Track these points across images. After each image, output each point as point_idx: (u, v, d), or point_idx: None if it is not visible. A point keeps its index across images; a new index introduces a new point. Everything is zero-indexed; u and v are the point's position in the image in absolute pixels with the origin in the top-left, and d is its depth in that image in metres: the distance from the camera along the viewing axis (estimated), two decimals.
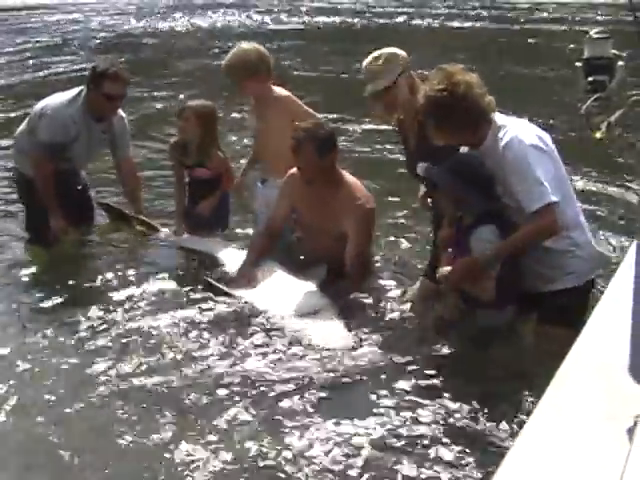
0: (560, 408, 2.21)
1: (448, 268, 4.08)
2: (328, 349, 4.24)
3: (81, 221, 6.22)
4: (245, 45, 5.43)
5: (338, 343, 4.29)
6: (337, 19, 22.02)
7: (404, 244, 5.66)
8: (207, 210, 5.74)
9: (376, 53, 4.57)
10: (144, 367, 4.21)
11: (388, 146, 8.58)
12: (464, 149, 4.16)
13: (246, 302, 4.83)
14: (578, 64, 3.24)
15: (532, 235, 3.85)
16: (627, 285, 2.49)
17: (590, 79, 3.14)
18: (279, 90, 5.46)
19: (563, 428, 2.14)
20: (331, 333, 4.40)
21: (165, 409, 3.83)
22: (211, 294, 4.96)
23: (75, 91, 5.89)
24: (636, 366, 2.27)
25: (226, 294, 4.92)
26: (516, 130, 3.86)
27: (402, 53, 4.56)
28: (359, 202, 4.80)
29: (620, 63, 3.10)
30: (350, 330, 4.39)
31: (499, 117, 3.99)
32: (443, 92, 3.92)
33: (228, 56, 5.43)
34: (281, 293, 4.84)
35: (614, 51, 3.15)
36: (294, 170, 4.93)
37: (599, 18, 18.92)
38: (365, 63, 4.55)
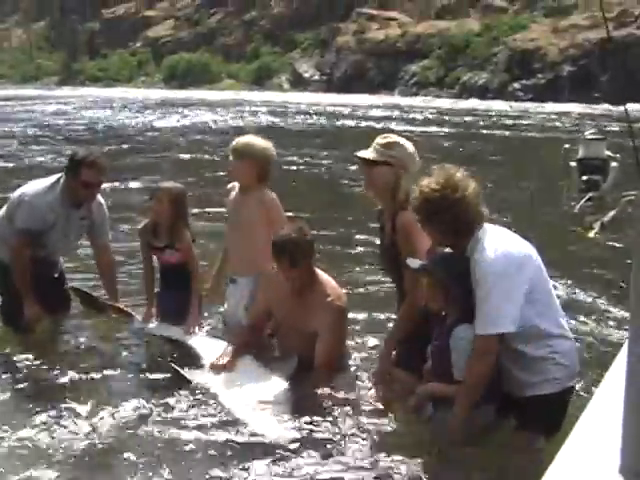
0: None
1: (431, 385, 4.05)
2: (270, 442, 4.09)
3: (56, 309, 6.11)
4: (264, 141, 5.47)
5: (279, 437, 4.13)
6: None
7: (377, 338, 5.57)
8: (194, 325, 5.69)
9: (392, 135, 4.61)
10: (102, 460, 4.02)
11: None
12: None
13: (207, 391, 4.69)
14: (572, 164, 3.19)
15: (475, 371, 3.79)
16: (618, 386, 2.40)
17: (584, 178, 3.07)
18: (267, 191, 5.42)
19: None
20: (275, 427, 4.25)
21: None
22: (176, 380, 4.83)
23: (53, 178, 5.85)
24: (627, 468, 2.17)
25: (189, 381, 4.81)
26: (493, 249, 3.80)
27: (410, 150, 4.50)
28: (329, 299, 4.73)
29: (614, 164, 3.05)
30: (297, 425, 4.29)
31: (485, 228, 3.94)
32: (436, 192, 3.87)
33: (244, 138, 5.43)
34: (243, 384, 4.74)
35: (608, 152, 3.10)
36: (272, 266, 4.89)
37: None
38: (380, 136, 4.56)
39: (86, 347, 5.63)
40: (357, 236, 9.21)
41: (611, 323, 6.32)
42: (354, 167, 14.24)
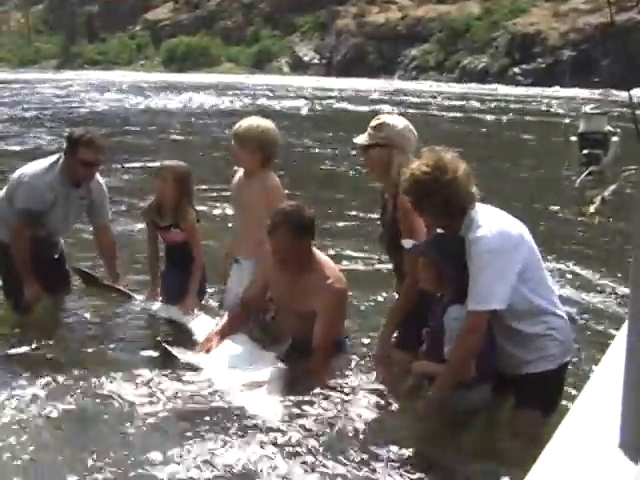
0: None
1: (423, 364, 4.07)
2: (263, 421, 4.10)
3: (57, 289, 6.14)
4: (266, 121, 5.43)
5: (272, 417, 4.14)
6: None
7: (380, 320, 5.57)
8: (192, 307, 5.70)
9: (383, 115, 4.63)
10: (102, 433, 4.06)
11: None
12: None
13: (198, 370, 4.72)
14: (573, 138, 3.21)
15: (461, 348, 3.82)
16: (618, 363, 2.42)
17: (585, 152, 3.09)
18: (271, 174, 5.41)
19: None
20: (268, 407, 4.26)
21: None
22: (168, 360, 4.88)
23: (52, 158, 5.86)
24: (626, 444, 2.19)
25: (180, 361, 4.85)
26: (487, 228, 3.81)
27: (399, 129, 4.48)
28: (328, 282, 4.72)
29: (614, 139, 3.06)
30: (289, 405, 4.29)
31: (477, 208, 3.95)
32: (427, 174, 3.87)
33: (246, 122, 5.39)
34: (233, 363, 4.74)
35: (609, 127, 3.12)
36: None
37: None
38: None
39: (84, 326, 5.69)
40: (350, 213, 9.32)
41: (613, 300, 6.38)
42: (350, 148, 14.34)
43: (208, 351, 4.92)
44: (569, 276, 7.03)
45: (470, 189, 3.87)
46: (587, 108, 3.35)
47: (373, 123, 4.49)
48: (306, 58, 51.97)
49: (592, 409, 2.51)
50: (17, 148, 15.53)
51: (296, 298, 4.76)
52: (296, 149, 15.84)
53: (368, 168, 4.69)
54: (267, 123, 5.36)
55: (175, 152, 13.91)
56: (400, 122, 4.53)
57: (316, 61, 51.35)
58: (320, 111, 25.74)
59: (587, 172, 3.49)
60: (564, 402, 4.05)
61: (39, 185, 5.61)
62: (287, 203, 4.90)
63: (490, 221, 3.82)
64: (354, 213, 9.49)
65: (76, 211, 5.90)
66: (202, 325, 5.39)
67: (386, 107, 22.81)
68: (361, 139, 4.51)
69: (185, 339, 5.27)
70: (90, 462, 3.73)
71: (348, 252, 7.56)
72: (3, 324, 5.72)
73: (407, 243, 4.13)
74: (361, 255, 7.43)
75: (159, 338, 5.26)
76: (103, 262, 6.25)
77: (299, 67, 51.45)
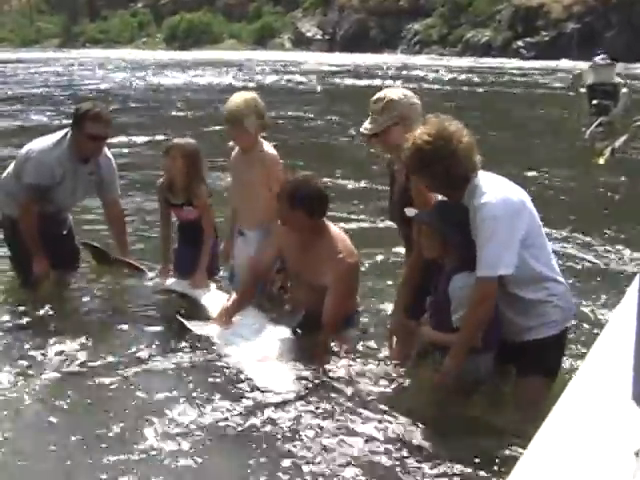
0: (559, 439, 2.12)
1: (431, 332, 4.06)
2: (274, 394, 4.12)
3: (65, 265, 6.14)
4: (246, 94, 5.41)
5: (281, 388, 4.18)
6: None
7: (391, 292, 5.55)
8: (201, 283, 5.69)
9: (382, 93, 4.48)
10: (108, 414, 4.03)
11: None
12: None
13: (211, 343, 4.74)
14: (582, 90, 3.19)
15: (475, 316, 3.82)
16: (629, 318, 2.43)
17: (594, 102, 3.08)
18: (267, 147, 5.41)
19: (562, 459, 2.03)
20: (278, 379, 4.28)
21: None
22: (182, 332, 4.89)
23: (60, 134, 5.85)
24: (639, 395, 2.21)
25: (194, 333, 4.87)
26: (492, 194, 3.80)
27: (405, 100, 4.45)
28: (340, 256, 4.69)
29: (624, 90, 3.05)
30: (300, 378, 4.30)
31: (480, 175, 3.94)
32: (429, 144, 3.85)
33: (231, 102, 5.37)
34: (247, 336, 4.77)
35: (618, 79, 3.11)
36: None
37: None
38: (372, 98, 4.48)
39: (94, 300, 5.72)
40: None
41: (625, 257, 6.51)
42: (349, 122, 14.35)
43: (222, 325, 4.93)
44: (577, 235, 7.16)
45: (473, 158, 3.86)
46: (597, 59, 3.32)
47: (376, 107, 4.40)
48: (309, 34, 51.71)
49: (604, 363, 2.52)
50: (20, 125, 15.53)
51: (307, 267, 4.75)
52: (294, 122, 15.92)
53: (383, 151, 4.61)
54: (249, 96, 5.33)
55: (176, 127, 13.95)
56: (402, 93, 4.46)
57: (319, 37, 51.09)
58: (323, 86, 25.64)
59: (597, 123, 3.46)
60: (572, 363, 4.08)
61: (47, 160, 5.60)
62: (300, 174, 4.90)
63: (493, 188, 3.82)
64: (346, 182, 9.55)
65: (85, 187, 5.89)
66: (214, 299, 5.40)
67: (393, 83, 22.68)
68: (371, 127, 4.41)
69: (198, 313, 5.28)
70: (98, 434, 3.74)
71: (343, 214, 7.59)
72: (12, 298, 5.73)
73: (410, 212, 4.11)
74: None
75: (175, 311, 5.24)
76: (113, 236, 6.24)
77: (301, 43, 51.22)
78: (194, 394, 4.14)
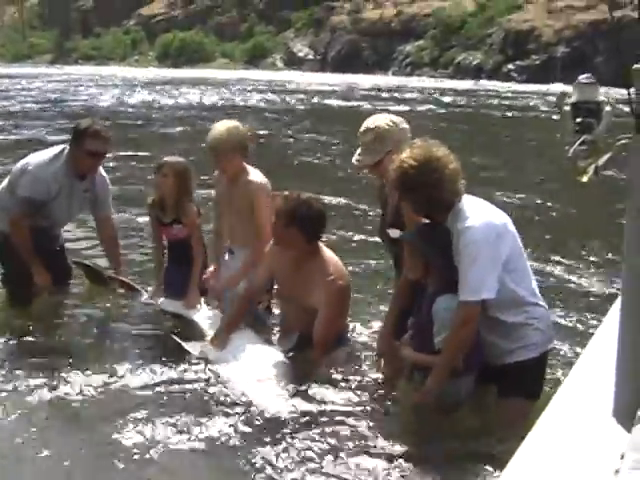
0: (540, 456, 2.14)
1: (412, 353, 4.07)
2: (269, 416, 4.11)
3: (57, 281, 6.08)
4: (228, 123, 5.45)
5: (275, 408, 4.16)
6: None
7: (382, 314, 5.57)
8: (194, 303, 5.69)
9: (370, 123, 4.45)
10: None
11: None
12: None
13: (207, 364, 4.72)
14: (566, 108, 3.23)
15: (457, 339, 3.84)
16: (611, 336, 2.46)
17: (578, 120, 3.12)
18: (253, 175, 5.43)
19: (542, 477, 2.06)
20: (273, 402, 4.25)
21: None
22: (177, 352, 4.86)
23: (57, 149, 5.85)
24: (619, 412, 2.23)
25: (190, 354, 4.84)
26: (475, 218, 3.83)
27: (395, 128, 4.44)
28: (331, 278, 4.68)
29: (607, 108, 3.09)
30: (291, 399, 4.28)
31: (464, 199, 3.97)
32: (413, 169, 3.85)
33: (213, 132, 5.40)
34: (243, 358, 4.74)
35: (602, 97, 3.15)
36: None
37: None
38: (360, 130, 4.47)
39: (87, 318, 5.66)
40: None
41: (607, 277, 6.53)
42: (335, 141, 14.41)
43: (217, 346, 4.91)
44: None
45: (457, 185, 3.87)
46: (581, 78, 3.40)
47: (368, 137, 4.39)
48: (300, 54, 51.92)
49: (585, 380, 2.55)
50: (13, 140, 15.58)
51: (299, 288, 4.74)
52: (282, 142, 15.99)
53: (380, 179, 4.56)
54: (232, 125, 5.36)
55: (166, 144, 13.98)
56: (390, 120, 4.43)
57: (311, 57, 51.29)
58: (312, 106, 25.74)
59: (580, 141, 3.51)
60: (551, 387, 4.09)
61: (44, 175, 5.60)
62: (298, 194, 4.87)
63: (476, 212, 3.85)
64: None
65: (79, 203, 5.90)
66: (208, 318, 5.40)
67: (383, 104, 22.79)
68: (364, 159, 4.42)
69: (193, 332, 5.27)
70: (93, 451, 3.75)
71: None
72: (2, 315, 5.70)
73: (394, 233, 4.14)
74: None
75: (170, 331, 5.23)
76: (106, 254, 6.23)
77: (293, 63, 51.41)
78: (187, 414, 4.12)
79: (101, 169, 5.97)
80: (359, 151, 4.44)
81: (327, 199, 9.69)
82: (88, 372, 4.60)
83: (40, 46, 68.55)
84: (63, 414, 4.12)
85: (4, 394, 4.32)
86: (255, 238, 5.18)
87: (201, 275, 5.67)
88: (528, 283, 3.97)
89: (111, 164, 11.62)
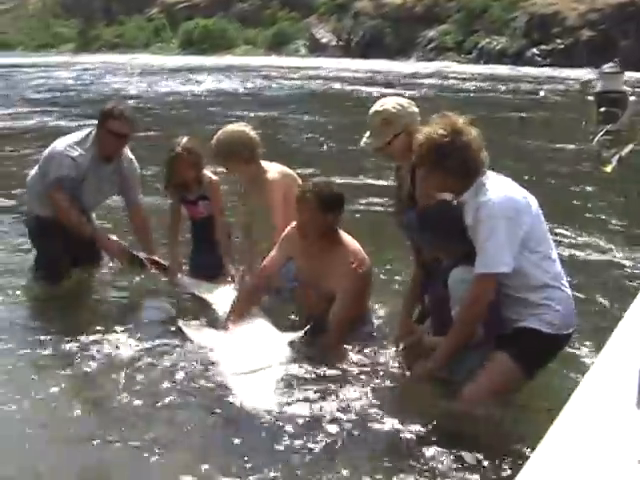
0: (564, 446, 2.13)
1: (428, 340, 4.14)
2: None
3: (88, 262, 6.23)
4: (237, 128, 5.48)
5: (276, 399, 4.10)
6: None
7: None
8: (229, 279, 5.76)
9: (379, 106, 4.49)
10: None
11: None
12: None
13: (207, 352, 4.70)
14: (590, 98, 3.21)
15: (471, 311, 3.84)
16: (637, 325, 2.44)
17: (602, 110, 3.11)
18: (270, 172, 5.44)
19: (566, 467, 2.05)
20: (273, 387, 4.22)
21: None
22: (183, 339, 4.91)
23: (85, 132, 5.98)
24: None
25: (195, 342, 4.84)
26: (496, 193, 3.84)
27: (403, 110, 4.46)
28: (352, 265, 4.72)
29: (632, 98, 3.07)
30: (304, 382, 4.28)
31: (489, 174, 3.99)
32: (444, 138, 3.90)
33: (223, 138, 5.43)
34: (252, 346, 4.68)
35: (626, 87, 3.13)
36: (294, 224, 4.91)
37: None
38: (369, 112, 4.51)
39: (109, 300, 5.86)
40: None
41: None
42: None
43: (223, 330, 4.93)
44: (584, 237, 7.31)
45: (482, 153, 3.94)
46: (605, 67, 3.35)
47: (376, 119, 4.42)
48: (324, 40, 51.67)
49: (609, 371, 2.53)
50: (38, 127, 15.81)
51: (318, 274, 4.78)
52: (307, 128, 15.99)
53: (393, 159, 4.64)
54: (235, 129, 5.44)
55: (186, 129, 14.03)
56: (398, 103, 4.48)
57: (334, 43, 51.05)
58: (335, 92, 25.68)
59: (604, 131, 3.45)
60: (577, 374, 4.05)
61: (72, 155, 5.74)
62: (318, 179, 4.97)
63: (498, 187, 3.89)
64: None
65: (108, 186, 6.03)
66: (225, 301, 5.39)
67: (404, 90, 22.67)
68: (373, 141, 4.45)
69: (207, 317, 5.33)
70: (92, 432, 3.80)
71: None
72: (34, 296, 5.87)
73: (407, 218, 4.16)
74: None
75: (179, 318, 5.25)
76: (138, 238, 6.33)
77: (316, 49, 51.19)
78: (183, 400, 4.16)
79: (129, 152, 6.08)
80: (367, 134, 4.48)
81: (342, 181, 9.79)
82: (85, 353, 4.68)
83: (63, 35, 68.72)
84: (62, 396, 4.18)
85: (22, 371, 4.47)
86: (271, 238, 5.22)
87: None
88: (551, 266, 3.96)
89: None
